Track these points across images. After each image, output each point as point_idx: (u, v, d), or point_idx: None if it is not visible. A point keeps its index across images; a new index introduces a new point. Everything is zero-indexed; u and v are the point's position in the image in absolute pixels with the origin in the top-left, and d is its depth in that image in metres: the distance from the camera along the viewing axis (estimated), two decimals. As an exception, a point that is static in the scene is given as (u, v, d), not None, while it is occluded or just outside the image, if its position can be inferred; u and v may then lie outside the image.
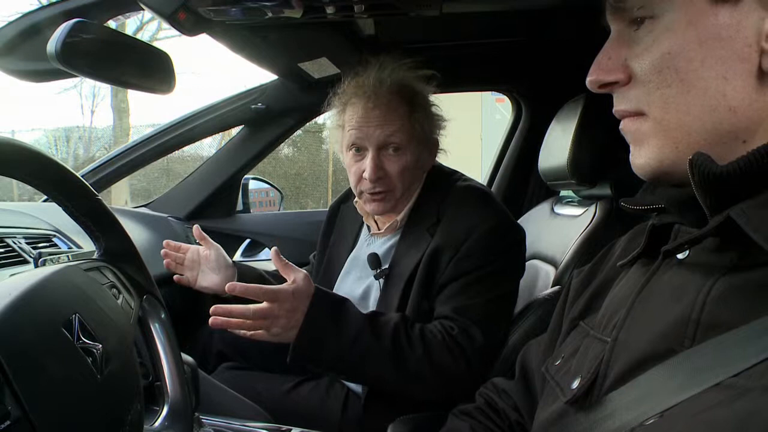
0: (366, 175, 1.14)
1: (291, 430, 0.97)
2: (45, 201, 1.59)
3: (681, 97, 0.47)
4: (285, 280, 1.02)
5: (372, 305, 1.18)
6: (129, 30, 6.28)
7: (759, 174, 0.43)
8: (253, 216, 2.06)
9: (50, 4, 1.00)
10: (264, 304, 0.97)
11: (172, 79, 1.05)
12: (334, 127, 1.23)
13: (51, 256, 0.73)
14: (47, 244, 1.22)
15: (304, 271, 1.03)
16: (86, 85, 8.98)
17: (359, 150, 1.16)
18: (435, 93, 1.21)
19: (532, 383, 0.72)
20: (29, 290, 0.48)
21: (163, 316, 0.73)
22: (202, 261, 1.23)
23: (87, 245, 1.07)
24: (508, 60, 1.86)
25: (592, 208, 1.34)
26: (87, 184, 0.64)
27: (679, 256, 0.49)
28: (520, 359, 0.76)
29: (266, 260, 1.87)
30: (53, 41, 0.83)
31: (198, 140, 1.91)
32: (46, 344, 0.46)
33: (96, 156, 8.24)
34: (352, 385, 1.17)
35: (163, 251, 1.25)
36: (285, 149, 8.12)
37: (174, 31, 1.06)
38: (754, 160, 0.43)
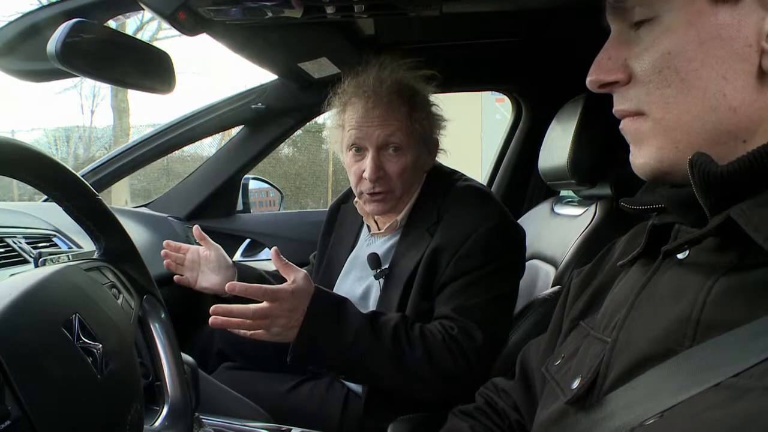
0: (366, 175, 1.14)
1: (291, 430, 0.97)
2: (45, 201, 1.59)
3: (681, 97, 0.47)
4: (285, 280, 1.02)
5: (372, 305, 1.18)
6: (129, 30, 6.27)
7: (759, 174, 0.43)
8: (253, 216, 2.06)
9: (50, 4, 1.00)
10: (264, 304, 0.97)
11: (172, 79, 1.05)
12: (334, 127, 1.23)
13: (51, 256, 0.73)
14: (47, 244, 1.22)
15: (304, 271, 1.03)
16: (86, 85, 9.00)
17: (359, 150, 1.16)
18: (435, 93, 1.21)
19: (532, 383, 0.72)
20: (29, 290, 0.48)
21: (163, 316, 0.73)
22: (202, 261, 1.23)
23: (87, 245, 1.07)
24: (509, 60, 1.86)
25: (592, 208, 1.34)
26: (87, 184, 0.64)
27: (679, 256, 0.49)
28: (520, 359, 0.76)
29: (266, 260, 1.87)
30: (53, 41, 0.83)
31: (198, 140, 1.91)
32: (46, 344, 0.46)
33: (96, 156, 8.25)
34: (352, 385, 1.18)
35: (163, 252, 1.25)
36: (285, 149, 8.12)
37: (174, 31, 1.06)
38: (754, 160, 0.43)
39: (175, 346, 0.72)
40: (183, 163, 6.66)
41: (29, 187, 0.59)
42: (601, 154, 1.28)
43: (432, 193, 1.20)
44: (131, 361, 0.61)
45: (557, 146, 1.37)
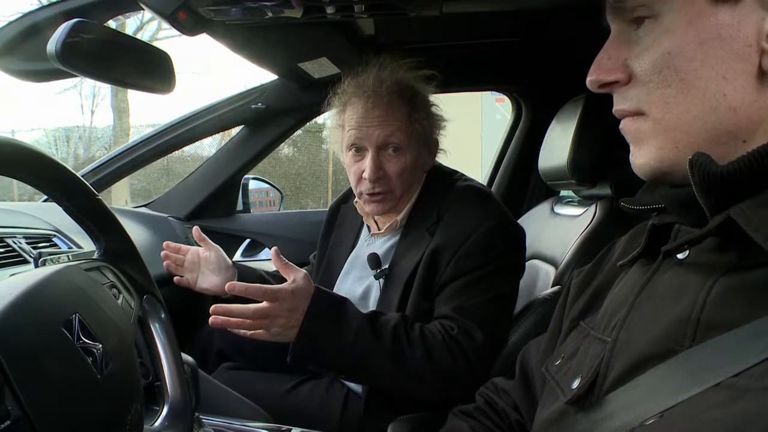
0: (366, 175, 1.14)
1: (291, 430, 0.97)
2: (45, 201, 1.59)
3: (681, 97, 0.47)
4: (285, 281, 1.02)
5: (372, 305, 1.18)
6: (129, 30, 6.28)
7: (759, 174, 0.43)
8: (253, 216, 2.06)
9: (50, 4, 1.00)
10: (264, 304, 0.97)
11: (172, 79, 1.05)
12: (334, 127, 1.23)
13: (51, 256, 0.73)
14: (47, 244, 1.22)
15: (304, 271, 1.03)
16: (86, 85, 9.00)
17: (359, 150, 1.16)
18: (435, 93, 1.21)
19: (532, 383, 0.72)
20: (29, 290, 0.48)
21: (163, 316, 0.73)
22: (202, 262, 1.22)
23: (87, 245, 1.07)
24: (509, 60, 1.86)
25: (592, 208, 1.34)
26: (87, 184, 0.64)
27: (679, 256, 0.49)
28: (520, 359, 0.76)
29: (266, 260, 1.87)
30: (53, 41, 0.83)
31: (198, 140, 1.91)
32: (46, 344, 0.46)
33: (96, 156, 8.25)
34: (352, 385, 1.18)
35: (162, 253, 1.25)
36: (285, 149, 8.12)
37: (174, 31, 1.06)
38: (754, 160, 0.43)
39: (175, 346, 0.72)
40: (183, 163, 6.66)
41: (29, 187, 0.59)
42: (601, 154, 1.28)
43: (432, 193, 1.20)
44: (131, 361, 0.61)
45: (557, 146, 1.37)
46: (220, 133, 2.31)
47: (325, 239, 1.39)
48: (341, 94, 1.19)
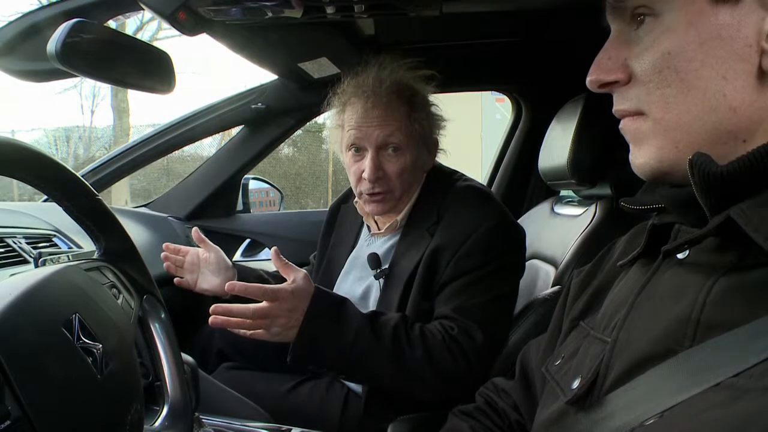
0: (365, 175, 1.14)
1: (291, 430, 0.97)
2: (45, 201, 1.59)
3: (681, 97, 0.47)
4: (285, 281, 1.02)
5: (372, 305, 1.18)
6: (129, 30, 6.28)
7: (759, 174, 0.43)
8: (253, 216, 2.06)
9: (50, 4, 1.00)
10: (264, 304, 0.97)
11: (172, 79, 1.05)
12: (334, 127, 1.23)
13: (51, 256, 0.73)
14: (47, 244, 1.22)
15: (304, 271, 1.03)
16: (86, 85, 9.01)
17: (359, 150, 1.16)
18: (435, 93, 1.21)
19: (532, 383, 0.72)
20: (29, 290, 0.48)
21: (163, 316, 0.73)
22: (202, 263, 1.22)
23: (87, 245, 1.07)
24: (509, 60, 1.86)
25: (592, 208, 1.34)
26: (87, 184, 0.64)
27: (679, 256, 0.49)
28: (520, 359, 0.76)
29: (266, 260, 1.87)
30: (53, 41, 0.83)
31: (198, 140, 1.91)
32: (46, 344, 0.46)
33: (96, 156, 8.25)
34: (352, 385, 1.18)
35: (162, 254, 1.25)
36: (285, 149, 8.12)
37: (174, 31, 1.06)
38: (754, 160, 0.43)
39: (175, 346, 0.72)
40: (183, 163, 6.66)
41: (29, 187, 0.59)
42: (601, 154, 1.28)
43: (432, 193, 1.20)
44: (131, 361, 0.61)
45: (557, 146, 1.37)
46: (220, 133, 2.31)
47: (325, 239, 1.39)
48: (341, 94, 1.19)
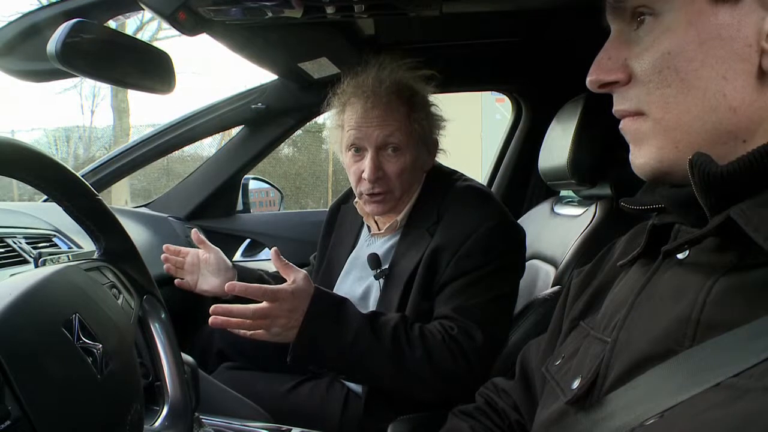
0: (365, 175, 1.14)
1: (291, 430, 0.97)
2: (45, 201, 1.59)
3: (681, 97, 0.47)
4: (285, 281, 1.02)
5: (372, 305, 1.18)
6: (129, 30, 6.28)
7: (759, 174, 0.43)
8: (253, 216, 2.06)
9: (50, 4, 1.00)
10: (264, 304, 0.97)
11: (172, 79, 1.05)
12: (334, 127, 1.23)
13: (51, 256, 0.73)
14: (47, 244, 1.22)
15: (304, 272, 1.03)
16: (86, 85, 9.00)
17: (358, 150, 1.16)
18: (435, 93, 1.21)
19: (532, 383, 0.72)
20: (29, 290, 0.48)
21: (163, 316, 0.73)
22: (202, 264, 1.22)
23: (87, 245, 1.07)
24: (509, 60, 1.86)
25: (592, 208, 1.34)
26: (87, 184, 0.64)
27: (679, 256, 0.49)
28: (520, 359, 0.76)
29: (266, 260, 1.87)
30: (53, 41, 0.83)
31: (198, 140, 1.91)
32: (46, 344, 0.46)
33: (96, 156, 8.25)
34: (352, 385, 1.17)
35: (163, 256, 1.25)
36: (285, 149, 8.12)
37: (174, 31, 1.06)
38: (754, 159, 0.43)
39: (175, 346, 0.72)
40: (183, 163, 6.66)
41: (29, 187, 0.59)
42: (601, 154, 1.28)
43: (432, 193, 1.20)
44: (131, 361, 0.61)
45: (557, 146, 1.37)
46: (220, 133, 2.31)
47: (325, 240, 1.39)
48: (340, 95, 1.19)
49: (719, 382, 0.40)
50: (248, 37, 1.29)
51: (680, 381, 0.42)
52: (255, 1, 0.99)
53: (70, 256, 0.72)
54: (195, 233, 1.25)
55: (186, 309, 1.38)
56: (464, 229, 1.10)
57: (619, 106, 0.52)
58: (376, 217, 1.26)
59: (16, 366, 0.40)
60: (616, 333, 0.51)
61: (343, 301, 1.07)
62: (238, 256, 1.95)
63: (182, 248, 1.25)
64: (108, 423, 0.51)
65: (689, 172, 0.45)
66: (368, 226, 1.28)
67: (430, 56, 1.26)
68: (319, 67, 1.59)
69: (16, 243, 1.08)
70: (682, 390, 0.41)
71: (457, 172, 1.27)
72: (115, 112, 8.72)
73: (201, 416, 0.80)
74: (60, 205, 0.63)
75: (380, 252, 1.19)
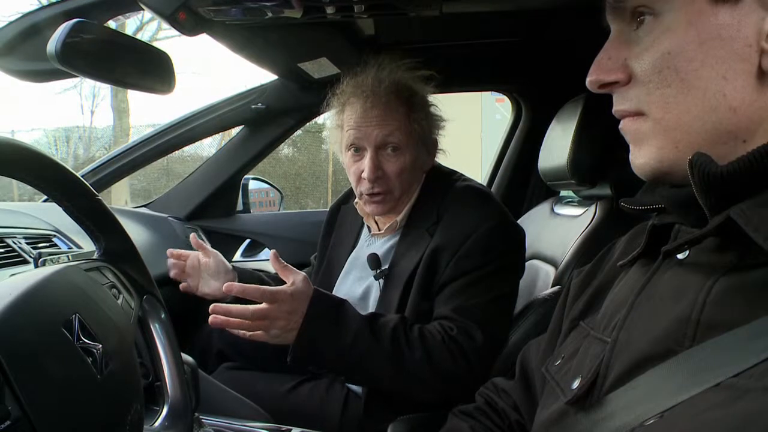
0: (365, 175, 1.14)
1: (291, 430, 0.97)
2: (45, 201, 1.59)
3: (681, 97, 0.47)
4: (285, 283, 1.02)
5: (372, 305, 1.18)
6: (129, 30, 6.28)
7: (759, 174, 0.43)
8: (253, 216, 2.06)
9: (50, 4, 1.00)
10: (263, 305, 0.97)
11: (172, 79, 1.05)
12: (333, 127, 1.23)
13: (51, 256, 0.73)
14: (47, 244, 1.22)
15: (303, 273, 1.03)
16: (86, 85, 9.00)
17: (358, 150, 1.16)
18: (434, 93, 1.21)
19: (532, 383, 0.72)
20: (29, 290, 0.48)
21: (163, 316, 0.73)
22: (202, 268, 1.22)
23: (87, 245, 1.07)
24: (508, 60, 1.86)
25: (592, 208, 1.34)
26: (87, 184, 0.64)
27: (679, 256, 0.49)
28: (520, 359, 0.76)
29: (266, 260, 1.86)
30: (53, 41, 0.83)
31: (198, 140, 1.91)
32: (46, 344, 0.46)
33: (96, 156, 8.25)
34: (352, 386, 1.17)
35: (169, 262, 1.25)
36: (285, 149, 8.12)
37: (174, 31, 1.05)
38: (754, 160, 0.43)
39: (175, 346, 0.72)
40: (183, 163, 6.66)
41: (29, 187, 0.59)
42: (601, 154, 1.28)
43: (431, 194, 1.20)
44: (131, 361, 0.61)
45: (557, 146, 1.37)
46: (220, 133, 2.31)
47: (325, 240, 1.39)
48: (340, 95, 1.19)
49: (719, 382, 0.40)
50: (248, 37, 1.29)
51: (680, 381, 0.42)
52: (255, 1, 0.99)
53: (70, 256, 0.72)
54: (193, 237, 1.25)
55: (186, 309, 1.38)
56: (464, 230, 1.10)
57: (619, 106, 0.52)
58: (376, 218, 1.26)
59: (16, 366, 0.40)
60: (616, 333, 0.51)
61: (342, 302, 1.07)
62: (238, 257, 1.95)
63: (183, 252, 1.25)
64: (108, 423, 0.51)
65: (689, 172, 0.45)
66: (368, 227, 1.28)
67: (430, 56, 1.26)
68: (319, 67, 1.59)
69: (16, 243, 1.08)
70: (682, 390, 0.41)
71: (457, 172, 1.27)
72: (115, 112, 8.73)
73: (201, 416, 0.80)
74: (60, 205, 0.63)
75: (380, 252, 1.19)
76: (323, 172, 8.11)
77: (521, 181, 2.02)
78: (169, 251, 1.26)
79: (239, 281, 1.19)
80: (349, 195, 1.36)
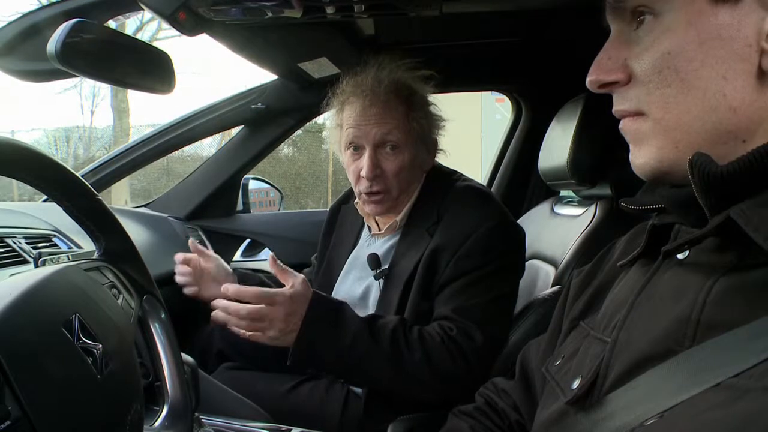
0: (363, 173, 1.14)
1: (291, 430, 0.97)
2: (45, 201, 1.59)
3: (681, 97, 0.47)
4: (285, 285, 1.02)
5: (372, 305, 1.18)
6: (129, 30, 6.28)
7: (759, 174, 0.43)
8: (253, 216, 2.06)
9: (50, 4, 1.00)
10: (259, 306, 0.97)
11: (172, 79, 1.05)
12: (333, 126, 1.23)
13: (51, 256, 0.73)
14: (47, 244, 1.22)
15: (302, 276, 1.03)
16: (86, 85, 9.00)
17: (357, 149, 1.16)
18: (434, 93, 1.22)
19: (532, 383, 0.72)
20: (29, 290, 0.48)
21: (163, 316, 0.73)
22: (204, 273, 1.22)
23: (87, 245, 1.07)
24: (508, 60, 1.86)
25: (592, 208, 1.34)
26: (87, 184, 0.64)
27: (679, 256, 0.49)
28: (520, 359, 0.76)
29: (266, 260, 1.86)
30: (53, 41, 0.82)
31: (198, 140, 1.91)
32: (46, 344, 0.46)
33: (96, 156, 8.25)
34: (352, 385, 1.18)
35: (177, 268, 1.24)
36: (285, 149, 8.13)
37: (174, 31, 1.05)
38: (754, 160, 0.43)
39: (175, 346, 0.72)
40: (183, 163, 6.66)
41: (29, 187, 0.59)
42: (601, 154, 1.28)
43: (431, 193, 1.20)
44: (131, 361, 0.61)
45: (557, 146, 1.37)
46: (220, 133, 2.31)
47: (325, 239, 1.39)
48: (340, 94, 1.19)
49: (719, 383, 0.40)
50: (248, 37, 1.29)
51: (680, 381, 0.42)
52: (255, 1, 0.99)
53: (70, 256, 0.72)
54: (192, 242, 1.24)
55: (186, 309, 1.38)
56: (464, 230, 1.10)
57: (619, 106, 0.52)
58: (376, 217, 1.26)
59: (16, 366, 0.40)
60: (616, 333, 0.51)
61: (342, 305, 1.07)
62: (238, 256, 1.95)
63: (192, 256, 1.24)
64: (108, 423, 0.51)
65: (689, 172, 0.45)
66: (368, 226, 1.28)
67: (430, 56, 1.26)
68: (319, 67, 1.59)
69: (16, 243, 1.08)
70: (682, 390, 0.41)
71: (457, 172, 1.27)
72: (115, 112, 8.73)
73: (201, 416, 0.80)
74: (60, 205, 0.63)
75: (380, 252, 1.19)
76: (323, 172, 8.11)
77: (521, 181, 2.02)
78: (178, 257, 1.24)
79: (240, 284, 1.19)
80: (350, 195, 1.36)
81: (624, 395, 0.47)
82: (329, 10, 1.08)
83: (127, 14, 1.09)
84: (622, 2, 0.50)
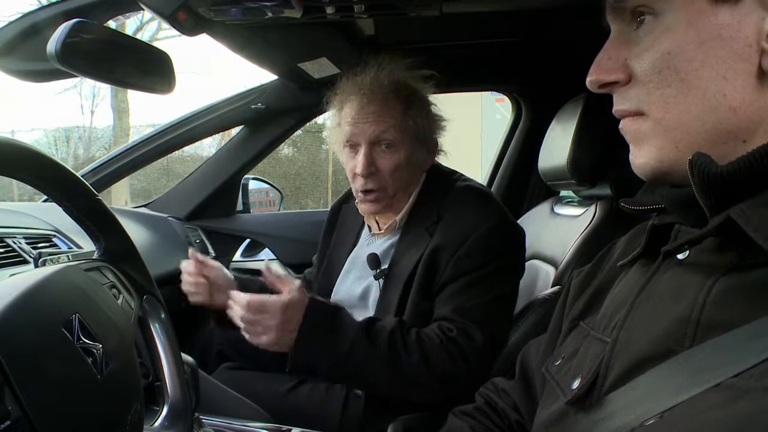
0: (357, 170, 1.14)
1: (291, 430, 0.97)
2: (45, 201, 1.59)
3: (681, 97, 0.47)
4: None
5: (371, 305, 1.18)
6: (129, 30, 6.28)
7: (759, 174, 0.43)
8: (253, 216, 2.06)
9: (50, 4, 1.00)
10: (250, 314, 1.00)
11: (172, 79, 1.05)
12: (333, 126, 1.23)
13: (51, 256, 0.73)
14: (47, 244, 1.22)
15: (298, 282, 1.04)
16: (86, 85, 9.01)
17: (354, 146, 1.16)
18: (434, 93, 1.22)
19: (532, 383, 0.72)
20: (29, 290, 0.48)
21: (163, 316, 0.73)
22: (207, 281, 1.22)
23: (87, 245, 1.07)
24: (509, 60, 1.86)
25: (592, 208, 1.34)
26: (87, 184, 0.64)
27: (679, 256, 0.49)
28: (520, 359, 0.76)
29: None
30: (53, 41, 0.82)
31: (198, 140, 1.91)
32: (46, 344, 0.46)
33: (96, 156, 8.25)
34: (352, 386, 1.18)
35: (185, 277, 1.22)
36: (285, 149, 8.13)
37: (174, 31, 1.05)
38: (754, 160, 0.43)
39: (175, 346, 0.72)
40: (183, 163, 6.67)
41: (29, 187, 0.59)
42: (601, 154, 1.28)
43: (431, 193, 1.20)
44: (131, 361, 0.61)
45: (557, 146, 1.37)
46: (220, 133, 2.31)
47: (326, 239, 1.39)
48: (340, 94, 1.19)
49: (719, 383, 0.40)
50: (248, 37, 1.29)
51: (680, 381, 0.42)
52: (255, 1, 0.99)
53: (70, 256, 0.72)
54: (192, 253, 1.23)
55: (186, 309, 1.38)
56: (464, 229, 1.10)
57: (619, 106, 0.52)
58: (376, 217, 1.26)
59: (16, 366, 0.40)
60: (616, 333, 0.51)
61: (338, 310, 1.07)
62: (237, 257, 1.95)
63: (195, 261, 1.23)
64: (108, 423, 0.51)
65: (689, 172, 0.45)
66: (369, 226, 1.28)
67: (430, 56, 1.26)
68: (319, 67, 1.59)
69: (16, 243, 1.08)
70: (682, 390, 0.41)
71: (457, 172, 1.27)
72: (115, 112, 8.73)
73: (201, 416, 0.80)
74: (60, 205, 0.63)
75: (380, 252, 1.19)
76: (323, 172, 8.11)
77: (521, 181, 2.02)
78: (184, 266, 1.21)
79: (240, 290, 1.19)
80: (350, 194, 1.36)
81: (624, 395, 0.47)
82: (329, 10, 1.08)
83: (127, 14, 1.09)
84: (622, 2, 0.50)
